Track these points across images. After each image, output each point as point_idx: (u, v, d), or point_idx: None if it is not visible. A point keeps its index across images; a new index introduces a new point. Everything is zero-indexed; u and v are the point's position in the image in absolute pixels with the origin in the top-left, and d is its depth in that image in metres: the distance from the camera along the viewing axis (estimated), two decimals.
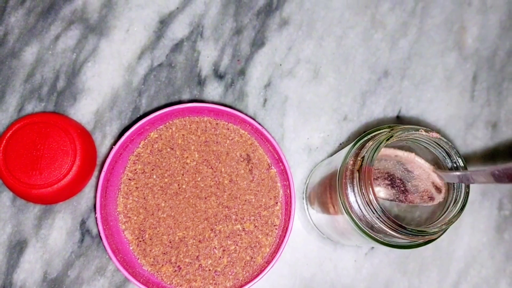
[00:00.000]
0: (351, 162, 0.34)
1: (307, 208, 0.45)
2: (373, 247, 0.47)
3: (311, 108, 0.48)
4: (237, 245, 0.42)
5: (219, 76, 0.48)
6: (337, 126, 0.48)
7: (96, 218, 0.39)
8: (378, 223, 0.31)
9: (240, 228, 0.43)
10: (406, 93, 0.50)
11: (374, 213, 0.31)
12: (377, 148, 0.31)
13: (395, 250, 0.46)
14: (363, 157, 0.32)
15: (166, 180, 0.43)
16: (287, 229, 0.40)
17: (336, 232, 0.40)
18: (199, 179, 0.43)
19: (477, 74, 0.51)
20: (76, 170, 0.42)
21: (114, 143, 0.44)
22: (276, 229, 0.43)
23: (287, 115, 0.48)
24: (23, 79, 0.46)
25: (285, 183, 0.43)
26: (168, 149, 0.44)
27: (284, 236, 0.40)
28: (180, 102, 0.47)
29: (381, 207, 0.31)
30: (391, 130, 0.33)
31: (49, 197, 0.42)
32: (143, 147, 0.44)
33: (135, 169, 0.43)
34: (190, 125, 0.44)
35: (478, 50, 0.51)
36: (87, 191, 0.45)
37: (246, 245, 0.42)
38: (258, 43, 0.49)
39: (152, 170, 0.43)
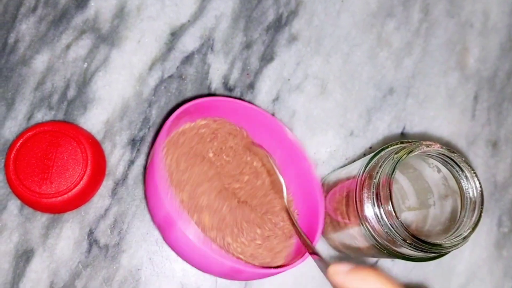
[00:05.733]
0: (369, 176, 0.34)
1: None
2: (376, 261, 0.47)
3: (318, 123, 0.49)
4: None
5: (229, 89, 0.49)
6: (343, 141, 0.49)
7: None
8: (396, 235, 0.32)
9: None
10: (410, 110, 0.51)
11: (392, 228, 0.32)
12: (398, 161, 0.32)
13: (398, 264, 0.47)
14: (381, 171, 0.33)
15: (202, 154, 0.43)
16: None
17: (346, 244, 0.41)
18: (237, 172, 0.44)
19: (478, 94, 0.52)
20: (87, 180, 0.42)
21: (151, 152, 0.44)
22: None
23: (294, 129, 0.49)
24: (33, 87, 0.46)
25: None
26: (211, 137, 0.44)
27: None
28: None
29: (400, 221, 0.32)
30: (411, 144, 0.34)
31: (59, 206, 0.42)
32: (189, 127, 0.43)
33: (178, 140, 0.42)
34: (234, 129, 0.45)
35: (479, 70, 0.53)
36: (95, 201, 0.44)
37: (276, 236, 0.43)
38: (267, 57, 0.50)
39: (194, 142, 0.43)
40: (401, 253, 0.35)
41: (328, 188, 0.44)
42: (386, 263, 0.47)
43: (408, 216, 0.43)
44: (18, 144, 0.41)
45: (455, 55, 0.53)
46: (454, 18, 0.53)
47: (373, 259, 0.47)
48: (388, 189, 0.32)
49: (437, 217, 0.40)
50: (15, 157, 0.41)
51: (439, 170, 0.38)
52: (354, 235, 0.38)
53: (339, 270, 0.29)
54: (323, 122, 0.49)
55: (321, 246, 0.46)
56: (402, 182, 0.44)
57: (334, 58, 0.51)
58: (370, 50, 0.51)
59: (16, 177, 0.41)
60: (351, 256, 0.44)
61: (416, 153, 0.33)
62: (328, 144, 0.49)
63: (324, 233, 0.45)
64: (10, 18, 0.47)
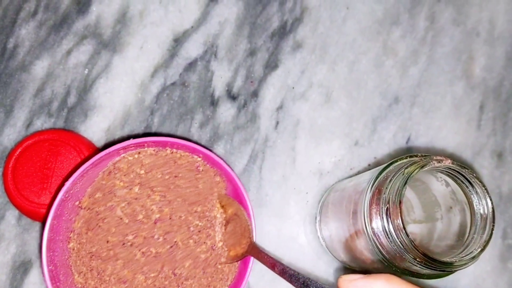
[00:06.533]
0: (378, 190, 0.34)
1: (320, 231, 0.45)
2: None
3: (323, 132, 0.48)
4: None
5: (232, 97, 0.48)
6: (348, 151, 0.48)
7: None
8: (405, 252, 0.31)
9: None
10: (415, 120, 0.50)
11: (402, 245, 0.31)
12: (409, 177, 0.32)
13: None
14: (391, 186, 0.32)
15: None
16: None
17: (352, 258, 0.40)
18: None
19: (484, 104, 0.52)
20: None
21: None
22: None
23: (298, 138, 0.48)
24: (32, 94, 0.45)
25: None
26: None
27: None
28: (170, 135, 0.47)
29: (410, 238, 0.31)
30: (421, 158, 0.34)
31: None
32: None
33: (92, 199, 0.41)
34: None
35: (485, 80, 0.52)
36: None
37: None
38: (271, 65, 0.49)
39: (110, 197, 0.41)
40: (408, 270, 0.34)
41: (334, 199, 0.43)
42: None
43: (413, 229, 0.43)
44: (17, 152, 0.40)
45: (461, 64, 0.52)
46: (460, 27, 0.53)
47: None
48: (398, 206, 0.32)
49: (444, 231, 0.39)
50: (13, 166, 0.40)
51: (447, 184, 0.37)
52: (360, 249, 0.38)
53: (350, 278, 0.30)
54: (328, 131, 0.49)
55: (327, 258, 0.46)
56: (408, 194, 0.43)
57: (339, 66, 0.50)
58: (375, 58, 0.51)
59: (14, 186, 0.40)
60: (356, 270, 0.44)
61: (426, 168, 0.33)
62: (333, 154, 0.48)
63: (330, 246, 0.44)
64: (9, 23, 0.46)
